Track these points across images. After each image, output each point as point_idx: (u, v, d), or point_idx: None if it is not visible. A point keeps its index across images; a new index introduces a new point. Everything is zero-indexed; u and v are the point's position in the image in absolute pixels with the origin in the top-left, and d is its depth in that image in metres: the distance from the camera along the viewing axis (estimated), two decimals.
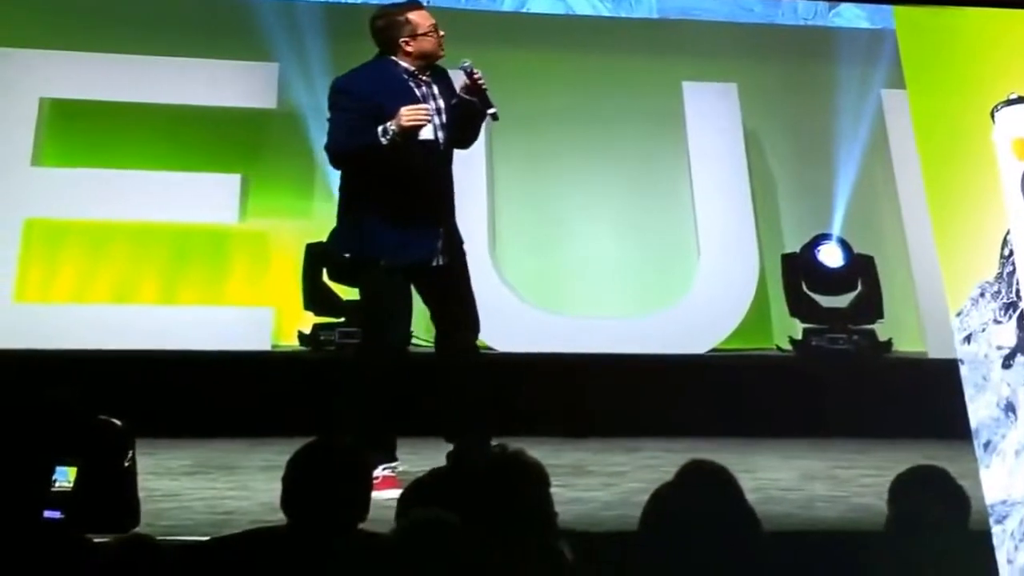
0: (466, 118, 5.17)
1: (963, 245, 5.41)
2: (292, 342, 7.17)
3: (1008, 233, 5.34)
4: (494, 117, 5.09)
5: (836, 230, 7.82)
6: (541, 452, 3.44)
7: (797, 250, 7.74)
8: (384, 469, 4.95)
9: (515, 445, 3.41)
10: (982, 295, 5.30)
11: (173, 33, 7.56)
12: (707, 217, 7.81)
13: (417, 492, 3.27)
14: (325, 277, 7.15)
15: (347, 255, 5.29)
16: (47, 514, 3.65)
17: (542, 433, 5.74)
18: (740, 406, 6.60)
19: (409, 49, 5.15)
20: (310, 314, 7.19)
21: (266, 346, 7.15)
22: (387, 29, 5.18)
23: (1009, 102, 5.41)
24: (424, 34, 5.15)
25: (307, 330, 7.11)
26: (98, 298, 7.31)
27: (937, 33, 5.77)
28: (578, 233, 7.90)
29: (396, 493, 3.57)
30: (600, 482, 5.57)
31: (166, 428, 5.77)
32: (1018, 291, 5.26)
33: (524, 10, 8.17)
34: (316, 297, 7.18)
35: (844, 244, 7.70)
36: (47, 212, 7.24)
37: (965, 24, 5.76)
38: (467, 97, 5.09)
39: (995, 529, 4.74)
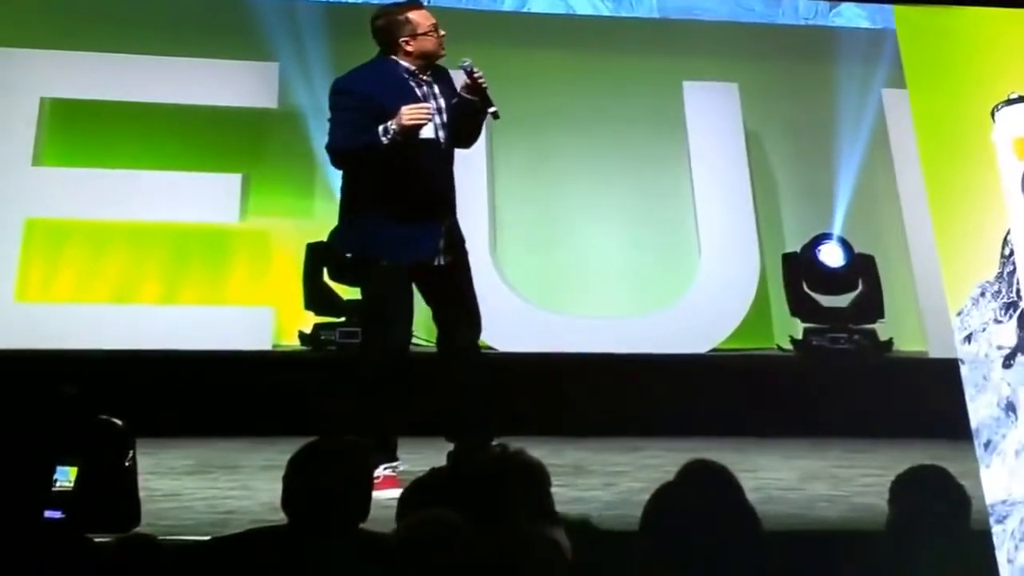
0: (467, 117, 5.17)
1: (963, 245, 5.41)
2: (293, 342, 7.17)
3: (1008, 233, 5.34)
4: (495, 116, 5.10)
5: (837, 229, 7.81)
6: (542, 452, 3.45)
7: (798, 250, 7.73)
8: (385, 469, 4.95)
9: (516, 445, 3.41)
10: (982, 295, 5.30)
11: (174, 33, 7.56)
12: (708, 216, 7.81)
13: (417, 492, 3.27)
14: (326, 277, 7.16)
15: (349, 255, 5.29)
16: (48, 514, 3.64)
17: (543, 432, 5.74)
18: (741, 406, 6.59)
19: (409, 49, 5.15)
20: (311, 314, 7.18)
21: (267, 346, 7.15)
22: (387, 28, 5.18)
23: (1009, 101, 5.41)
24: (424, 34, 5.16)
25: (308, 330, 7.11)
26: (99, 298, 7.31)
27: (937, 33, 5.78)
28: (579, 233, 7.90)
29: (397, 493, 3.56)
30: (601, 482, 5.57)
31: (167, 428, 5.77)
32: (1018, 291, 5.26)
33: (525, 10, 8.17)
34: (317, 297, 7.18)
35: (845, 243, 7.70)
36: (48, 212, 7.24)
37: (965, 24, 5.76)
38: (468, 96, 5.10)
39: (995, 529, 4.75)
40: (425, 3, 5.34)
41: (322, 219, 7.25)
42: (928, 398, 5.92)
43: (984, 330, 5.27)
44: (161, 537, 3.55)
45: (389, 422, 5.13)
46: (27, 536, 3.50)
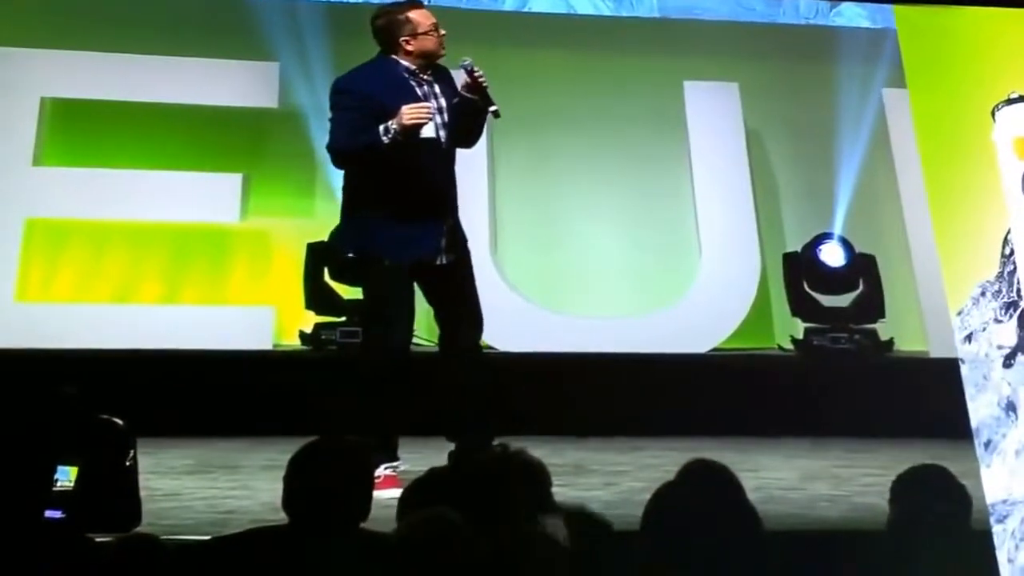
0: (468, 116, 5.17)
1: (964, 244, 5.41)
2: (294, 341, 7.17)
3: (1009, 232, 5.34)
4: (495, 115, 5.09)
5: (837, 229, 7.82)
6: (542, 451, 3.45)
7: (798, 249, 7.73)
8: (386, 468, 4.95)
9: (516, 444, 3.41)
10: (983, 294, 5.30)
11: (174, 32, 7.56)
12: (708, 216, 7.82)
13: (418, 492, 3.27)
14: (327, 276, 7.16)
15: (351, 254, 5.28)
16: (48, 514, 3.65)
17: (543, 432, 5.74)
18: (742, 405, 6.59)
19: (410, 48, 5.15)
20: (311, 313, 7.18)
21: (268, 345, 7.15)
22: (388, 28, 5.18)
23: (1010, 101, 5.41)
24: (425, 33, 5.15)
25: (308, 329, 7.11)
26: (99, 298, 7.31)
27: (938, 32, 5.77)
28: (579, 232, 7.90)
29: (398, 492, 3.56)
30: (601, 481, 5.57)
31: (167, 427, 5.77)
32: (1019, 290, 5.26)
33: (525, 9, 8.17)
34: (317, 296, 7.18)
35: (845, 243, 7.70)
36: (48, 212, 7.24)
37: (965, 23, 5.76)
38: (468, 95, 5.09)
39: (996, 528, 4.74)
40: (425, 3, 5.34)
41: (323, 219, 7.26)
42: (929, 398, 5.92)
43: (984, 330, 5.27)
44: (162, 537, 3.54)
45: (390, 422, 5.13)
46: (28, 536, 3.50)
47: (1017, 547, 4.74)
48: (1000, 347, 5.25)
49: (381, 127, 4.92)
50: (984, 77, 5.55)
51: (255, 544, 3.38)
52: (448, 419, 5.25)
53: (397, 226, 5.06)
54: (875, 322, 7.52)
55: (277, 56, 7.57)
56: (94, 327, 6.90)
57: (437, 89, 5.21)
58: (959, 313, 5.31)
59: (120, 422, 4.11)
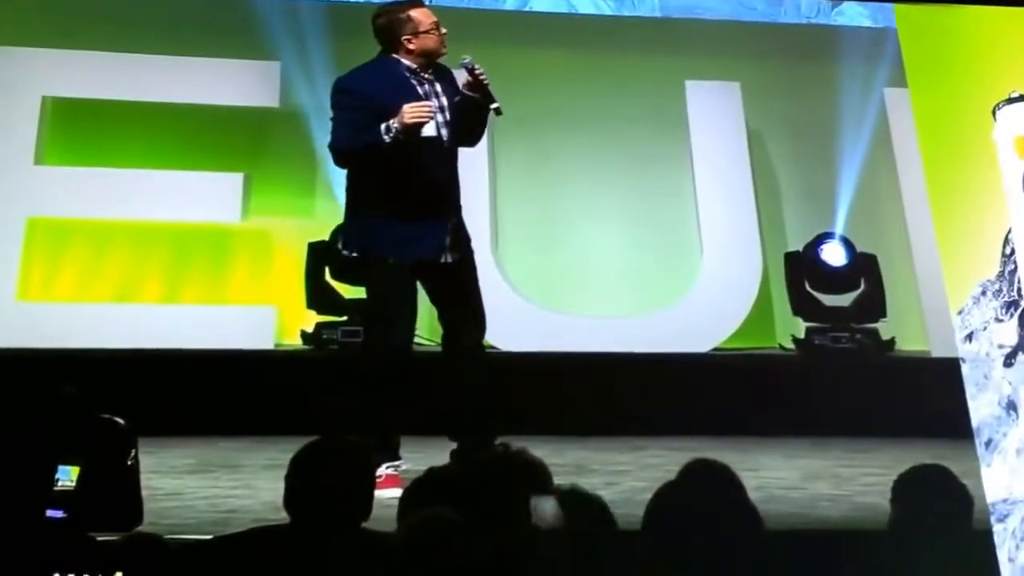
0: (470, 114, 5.17)
1: (965, 243, 5.42)
2: (295, 341, 7.18)
3: (1009, 231, 5.35)
4: (497, 112, 5.09)
5: (839, 229, 7.81)
6: (543, 451, 3.45)
7: (800, 249, 7.73)
8: (387, 468, 4.95)
9: (518, 444, 3.42)
10: (983, 293, 5.31)
11: (175, 32, 7.56)
12: (710, 216, 7.81)
13: (419, 491, 3.27)
14: (328, 276, 7.16)
15: (354, 254, 5.28)
16: (50, 513, 3.65)
17: (544, 432, 5.74)
18: (743, 405, 6.59)
19: (411, 47, 5.15)
20: (313, 313, 7.18)
21: (269, 345, 7.15)
22: (389, 27, 5.18)
23: (1010, 100, 5.42)
24: (426, 32, 5.15)
25: (310, 329, 7.11)
26: (100, 297, 7.31)
27: (938, 31, 5.78)
28: (580, 232, 7.90)
29: (399, 492, 3.57)
30: (603, 481, 5.56)
31: (169, 427, 5.78)
32: (1019, 289, 5.26)
33: (526, 9, 8.17)
34: (319, 296, 7.18)
35: (847, 243, 7.69)
36: (50, 211, 7.24)
37: (966, 22, 5.77)
38: (469, 93, 5.09)
39: (996, 528, 4.75)
40: (426, 2, 5.34)
41: (324, 218, 7.27)
42: (930, 397, 5.92)
43: (985, 329, 5.28)
44: (163, 536, 3.54)
45: (391, 421, 5.13)
46: (29, 535, 3.50)
47: (1018, 546, 4.74)
48: (1001, 346, 5.26)
49: (382, 126, 4.92)
50: (985, 76, 5.56)
51: (256, 543, 3.38)
52: (450, 418, 5.25)
53: (399, 225, 5.06)
54: (876, 321, 7.51)
55: (278, 55, 7.56)
56: (95, 326, 6.90)
57: (438, 88, 5.20)
58: (960, 312, 5.32)
59: (121, 421, 4.11)
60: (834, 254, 7.65)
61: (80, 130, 7.53)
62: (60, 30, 7.50)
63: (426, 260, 5.14)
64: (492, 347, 6.51)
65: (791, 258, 7.71)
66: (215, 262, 7.55)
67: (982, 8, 5.83)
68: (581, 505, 3.22)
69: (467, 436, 5.14)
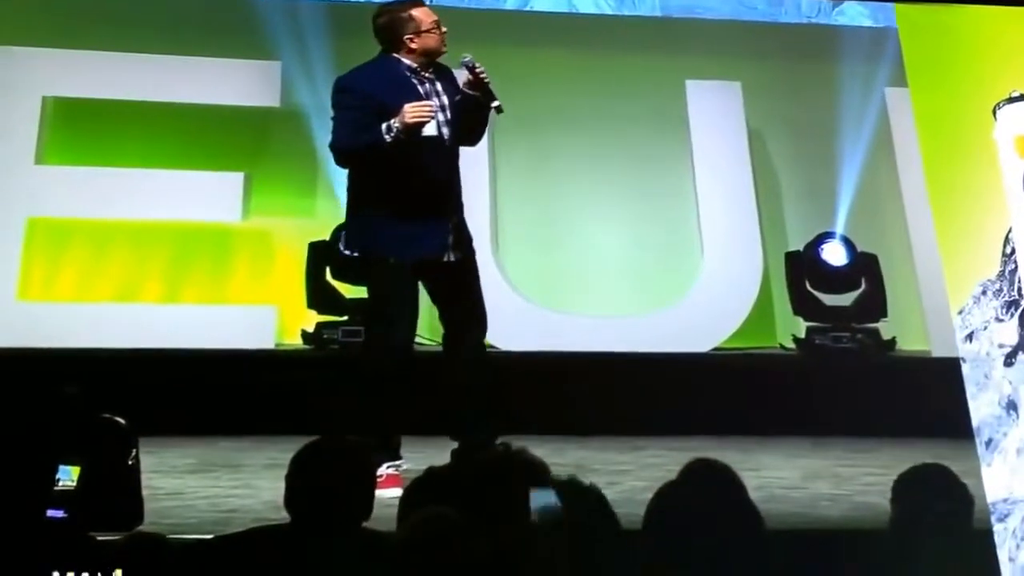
0: (470, 113, 5.17)
1: (965, 243, 5.42)
2: (295, 341, 7.17)
3: (1010, 231, 5.35)
4: (498, 110, 5.08)
5: (840, 228, 7.81)
6: (544, 451, 3.44)
7: (800, 248, 7.73)
8: (388, 467, 4.95)
9: (518, 444, 3.41)
10: (984, 293, 5.31)
11: (176, 32, 7.56)
12: (710, 215, 7.81)
13: (419, 491, 3.27)
14: (328, 275, 7.16)
15: (356, 253, 5.28)
16: (50, 513, 3.65)
17: (545, 432, 5.73)
18: (743, 405, 6.59)
19: (413, 46, 5.15)
20: (313, 312, 7.18)
21: (269, 345, 7.14)
22: (391, 26, 5.18)
23: (1011, 100, 5.42)
24: (427, 31, 5.16)
25: (310, 329, 7.11)
26: (101, 297, 7.31)
27: (939, 31, 5.78)
28: (581, 232, 7.90)
29: (400, 492, 3.57)
30: (603, 480, 5.48)
31: (169, 426, 5.77)
32: (1020, 289, 5.26)
33: (527, 8, 8.17)
34: (319, 295, 7.17)
35: (848, 242, 7.69)
36: (50, 210, 7.24)
37: (966, 22, 5.77)
38: (470, 92, 5.09)
39: (997, 527, 4.75)
40: (427, 1, 5.34)
41: (324, 218, 7.27)
42: (930, 397, 5.92)
43: (986, 328, 5.28)
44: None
45: (391, 421, 5.14)
46: (30, 535, 3.50)
47: (1018, 546, 4.74)
48: (1001, 346, 5.26)
49: (383, 125, 4.92)
50: (985, 75, 5.56)
51: (257, 543, 3.38)
52: (452, 418, 5.25)
53: (401, 224, 5.06)
54: (877, 321, 7.51)
55: (279, 55, 7.56)
56: (96, 326, 6.90)
57: (439, 87, 5.21)
58: (960, 312, 5.32)
59: (122, 421, 4.12)
60: (835, 254, 7.65)
61: (80, 130, 7.52)
62: (61, 30, 7.50)
63: (428, 259, 5.14)
64: (492, 347, 6.50)
65: (792, 258, 7.71)
66: (216, 262, 7.55)
67: (982, 8, 5.83)
68: (578, 495, 3.21)
69: (467, 436, 5.14)
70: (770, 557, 3.24)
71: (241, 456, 5.91)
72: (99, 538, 3.50)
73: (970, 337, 5.28)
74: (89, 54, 7.44)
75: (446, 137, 5.17)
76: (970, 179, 5.46)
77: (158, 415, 5.25)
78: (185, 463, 5.74)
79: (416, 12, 5.18)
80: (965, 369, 5.23)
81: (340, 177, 5.41)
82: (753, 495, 3.34)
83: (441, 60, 5.27)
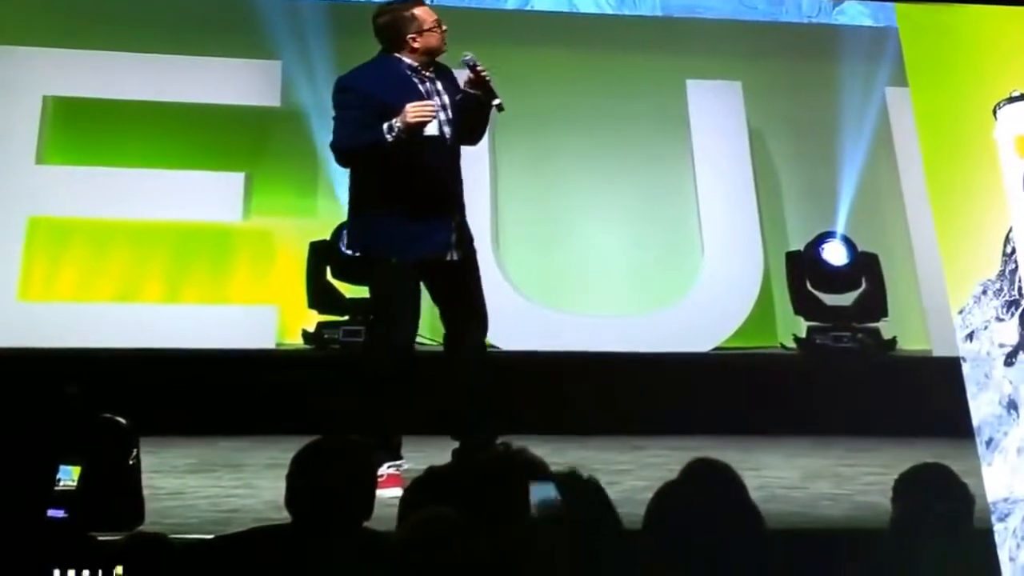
0: (472, 112, 5.16)
1: (965, 243, 5.42)
2: (296, 340, 7.17)
3: (1010, 231, 5.35)
4: (499, 108, 5.07)
5: (840, 228, 7.81)
6: (544, 450, 3.43)
7: (801, 248, 7.73)
8: (389, 467, 4.95)
9: (518, 443, 3.41)
10: (984, 293, 5.31)
11: (176, 31, 7.57)
12: (711, 215, 7.82)
13: (419, 491, 3.27)
14: (329, 275, 7.16)
15: (357, 253, 5.28)
16: (51, 513, 3.65)
17: (545, 431, 5.72)
18: (744, 404, 6.59)
19: (416, 45, 5.15)
20: (314, 312, 7.18)
21: (270, 344, 7.14)
22: (392, 25, 5.18)
23: (1011, 99, 5.42)
24: (429, 30, 5.16)
25: (311, 328, 7.11)
26: (102, 296, 7.32)
27: (939, 31, 5.78)
28: (581, 231, 7.90)
29: (400, 491, 3.57)
30: (604, 480, 5.51)
31: (170, 426, 5.77)
32: (1020, 288, 5.26)
33: (528, 8, 8.18)
34: (320, 295, 7.18)
35: (848, 242, 7.70)
36: (51, 210, 7.25)
37: (967, 22, 5.77)
38: (471, 91, 5.09)
39: (997, 527, 4.75)
40: (428, 1, 5.34)
41: (325, 218, 7.27)
42: (931, 396, 5.92)
43: (986, 328, 5.28)
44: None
45: (392, 421, 5.13)
46: (30, 535, 3.50)
47: (1019, 545, 4.74)
48: (1001, 345, 5.26)
49: (385, 125, 4.92)
50: (985, 75, 5.56)
51: (258, 543, 3.38)
52: (452, 418, 5.25)
53: (402, 224, 5.06)
54: (877, 321, 7.51)
55: (279, 55, 7.57)
56: (97, 326, 6.90)
57: (440, 86, 5.21)
58: (961, 311, 5.32)
59: (123, 421, 4.12)
60: (835, 253, 7.66)
61: (81, 129, 7.53)
62: (61, 29, 7.50)
63: (430, 259, 5.13)
64: (493, 346, 6.50)
65: (792, 257, 7.71)
66: (216, 262, 7.56)
67: (983, 7, 5.83)
68: (578, 488, 3.22)
69: (468, 435, 5.14)
70: (770, 557, 3.24)
71: (242, 456, 5.91)
72: (100, 538, 3.50)
73: (970, 337, 5.29)
74: (89, 54, 7.45)
75: (447, 136, 5.17)
76: (970, 179, 5.46)
77: (159, 415, 5.24)
78: (186, 463, 5.74)
79: (418, 11, 5.18)
80: (965, 368, 5.23)
81: (341, 177, 5.41)
82: (754, 495, 3.34)
83: (440, 60, 5.27)
